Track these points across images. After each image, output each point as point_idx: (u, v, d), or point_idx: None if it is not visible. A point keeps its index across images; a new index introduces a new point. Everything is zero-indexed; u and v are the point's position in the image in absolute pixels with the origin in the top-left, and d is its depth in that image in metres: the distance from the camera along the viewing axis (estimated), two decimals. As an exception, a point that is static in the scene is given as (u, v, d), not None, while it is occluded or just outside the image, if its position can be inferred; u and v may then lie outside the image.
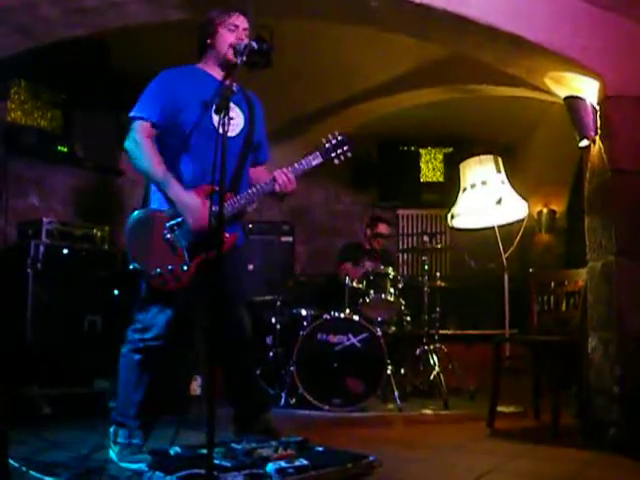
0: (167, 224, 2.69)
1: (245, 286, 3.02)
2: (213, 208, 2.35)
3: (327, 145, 2.89)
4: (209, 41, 2.85)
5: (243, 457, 2.43)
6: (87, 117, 5.32)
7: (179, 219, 2.70)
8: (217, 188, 2.22)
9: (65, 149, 5.12)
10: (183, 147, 2.76)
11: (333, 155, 2.89)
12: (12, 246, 4.32)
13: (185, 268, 2.67)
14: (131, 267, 2.68)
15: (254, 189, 2.78)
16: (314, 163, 2.86)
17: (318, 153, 2.87)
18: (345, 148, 2.90)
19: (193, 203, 2.66)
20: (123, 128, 2.80)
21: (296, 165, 2.84)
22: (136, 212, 2.76)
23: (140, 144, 2.71)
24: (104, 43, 4.93)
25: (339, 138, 2.90)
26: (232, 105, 2.35)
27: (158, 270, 2.64)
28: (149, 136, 2.75)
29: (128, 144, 2.74)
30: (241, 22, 2.82)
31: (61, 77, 5.14)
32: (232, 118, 2.47)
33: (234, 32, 2.79)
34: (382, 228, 5.86)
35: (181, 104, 2.75)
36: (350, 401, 4.48)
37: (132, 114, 2.77)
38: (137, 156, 2.72)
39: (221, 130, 2.18)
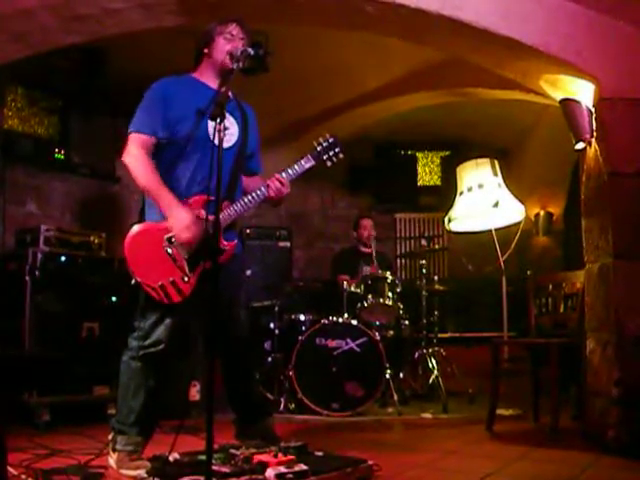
0: (165, 237, 2.69)
1: (244, 292, 3.03)
2: (209, 217, 2.36)
3: (319, 148, 2.93)
4: (206, 50, 2.88)
5: (242, 463, 2.43)
6: (84, 124, 5.33)
7: None
8: (212, 197, 2.23)
9: (62, 156, 5.14)
10: (178, 157, 2.76)
11: (325, 157, 2.93)
12: (10, 254, 4.32)
13: (186, 279, 2.68)
14: (133, 282, 2.68)
15: (249, 197, 2.80)
16: (307, 166, 2.89)
17: (310, 156, 2.91)
18: (337, 150, 2.95)
19: (184, 217, 2.65)
20: (120, 135, 2.80)
21: (289, 170, 2.86)
22: (134, 227, 2.75)
23: (136, 157, 2.72)
24: (101, 49, 4.94)
25: (330, 140, 2.95)
26: (226, 114, 2.36)
27: (160, 283, 2.65)
28: (145, 149, 2.75)
29: (125, 158, 2.75)
30: (237, 32, 2.85)
31: (58, 84, 5.15)
32: (227, 128, 2.48)
33: (231, 41, 2.82)
34: (365, 223, 5.80)
35: (177, 114, 2.76)
36: (349, 405, 4.48)
37: (129, 129, 2.78)
38: (133, 169, 2.72)
39: (216, 137, 2.18)
